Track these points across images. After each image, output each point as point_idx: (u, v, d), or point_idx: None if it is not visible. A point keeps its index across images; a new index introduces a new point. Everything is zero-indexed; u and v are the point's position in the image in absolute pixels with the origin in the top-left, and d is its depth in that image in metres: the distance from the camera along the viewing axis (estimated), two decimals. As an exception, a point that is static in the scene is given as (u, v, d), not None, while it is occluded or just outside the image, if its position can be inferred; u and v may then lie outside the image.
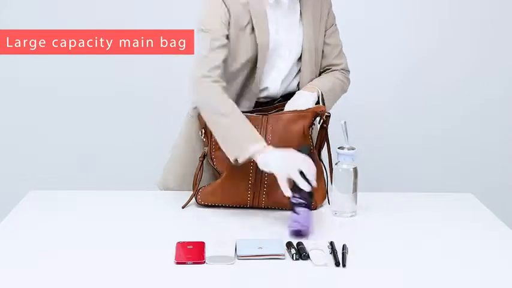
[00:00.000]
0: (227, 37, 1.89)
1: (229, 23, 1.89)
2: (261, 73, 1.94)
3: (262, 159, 1.73)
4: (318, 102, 1.94)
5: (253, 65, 1.93)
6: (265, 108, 1.96)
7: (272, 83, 1.98)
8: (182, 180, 2.02)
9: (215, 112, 1.83)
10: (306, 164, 1.72)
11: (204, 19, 1.91)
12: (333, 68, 2.07)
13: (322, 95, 1.95)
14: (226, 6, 1.88)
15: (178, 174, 2.04)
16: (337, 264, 1.52)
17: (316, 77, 2.04)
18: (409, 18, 3.15)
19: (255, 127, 1.82)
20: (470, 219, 1.89)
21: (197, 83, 1.87)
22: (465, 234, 1.75)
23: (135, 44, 3.08)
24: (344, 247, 1.58)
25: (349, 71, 2.10)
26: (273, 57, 1.95)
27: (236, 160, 1.76)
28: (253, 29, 1.90)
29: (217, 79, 1.85)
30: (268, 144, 1.79)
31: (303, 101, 1.93)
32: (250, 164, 1.82)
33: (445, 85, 3.20)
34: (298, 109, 1.89)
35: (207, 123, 1.86)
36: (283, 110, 1.92)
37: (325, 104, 1.95)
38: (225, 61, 1.88)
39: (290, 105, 1.93)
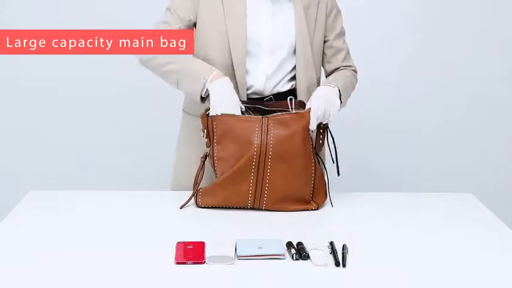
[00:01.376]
0: (190, 22, 1.98)
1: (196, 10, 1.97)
2: (243, 70, 1.95)
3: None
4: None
5: (230, 65, 1.96)
6: (267, 110, 1.95)
7: (256, 79, 1.99)
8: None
9: (164, 64, 1.96)
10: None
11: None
12: (339, 65, 2.09)
13: (339, 90, 1.95)
14: None
15: (190, 173, 2.02)
16: (337, 264, 1.52)
17: (317, 74, 2.05)
18: (409, 17, 3.15)
19: (256, 128, 1.83)
20: (470, 219, 1.89)
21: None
22: (465, 234, 1.75)
23: (135, 44, 3.07)
24: (344, 247, 1.58)
25: (357, 71, 2.13)
26: (253, 54, 1.96)
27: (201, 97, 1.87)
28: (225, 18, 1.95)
29: None
30: (270, 146, 1.80)
31: (328, 92, 1.92)
32: (252, 165, 1.82)
33: (445, 85, 3.20)
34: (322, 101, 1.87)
35: (162, 78, 1.99)
36: (283, 110, 1.92)
37: (342, 100, 1.95)
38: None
39: (316, 98, 1.89)
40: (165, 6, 2.03)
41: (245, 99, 1.99)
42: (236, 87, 1.94)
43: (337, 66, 2.09)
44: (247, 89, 2.00)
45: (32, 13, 3.05)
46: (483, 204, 2.00)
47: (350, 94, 2.07)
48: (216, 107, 1.84)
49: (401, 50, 3.17)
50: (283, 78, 2.03)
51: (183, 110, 2.15)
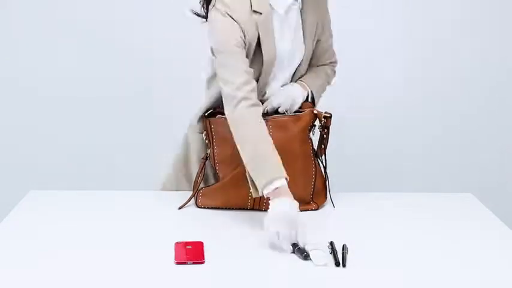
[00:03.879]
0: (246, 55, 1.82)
1: (244, 41, 1.80)
2: (263, 85, 1.90)
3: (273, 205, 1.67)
4: (306, 100, 1.93)
5: (256, 79, 1.87)
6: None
7: (271, 92, 1.94)
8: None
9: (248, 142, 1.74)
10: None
11: (221, 40, 1.80)
12: (324, 62, 2.05)
13: (312, 93, 1.94)
14: (237, 23, 1.79)
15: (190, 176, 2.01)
16: (337, 264, 1.52)
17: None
18: (409, 16, 3.15)
19: None
20: (470, 219, 1.89)
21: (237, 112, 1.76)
22: (465, 234, 1.75)
23: (136, 44, 3.08)
24: (344, 247, 1.58)
25: (337, 62, 2.09)
26: (275, 69, 1.91)
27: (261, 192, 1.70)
28: (259, 44, 1.83)
29: (255, 101, 1.78)
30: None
31: (294, 91, 1.91)
32: None
33: (445, 85, 3.20)
34: (285, 96, 1.88)
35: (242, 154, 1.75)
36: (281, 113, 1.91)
37: (315, 101, 1.94)
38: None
39: (280, 94, 1.89)
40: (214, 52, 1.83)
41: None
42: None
43: (322, 63, 2.05)
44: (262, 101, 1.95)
45: (32, 13, 3.05)
46: (483, 204, 2.00)
47: (324, 91, 2.05)
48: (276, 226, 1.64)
49: (401, 50, 3.17)
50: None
51: (190, 125, 2.02)
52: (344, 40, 2.12)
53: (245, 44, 1.81)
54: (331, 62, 2.07)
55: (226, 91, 1.77)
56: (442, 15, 3.14)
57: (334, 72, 2.09)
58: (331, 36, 2.05)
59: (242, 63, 1.78)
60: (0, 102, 3.15)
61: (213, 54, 1.83)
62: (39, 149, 3.17)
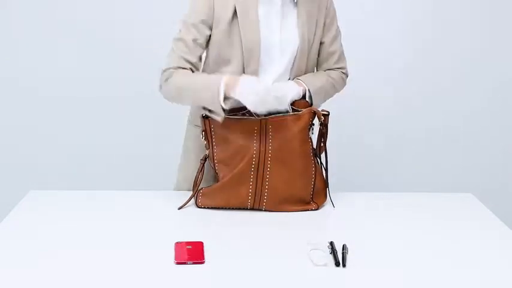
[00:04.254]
0: (207, 37, 1.90)
1: (212, 22, 1.89)
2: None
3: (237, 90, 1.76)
4: (303, 97, 1.91)
5: (241, 70, 1.89)
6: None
7: None
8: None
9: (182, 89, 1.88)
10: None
11: (189, 13, 1.92)
12: (331, 67, 2.04)
13: (309, 91, 1.91)
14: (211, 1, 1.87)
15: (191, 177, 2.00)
16: (337, 264, 1.52)
17: (310, 69, 2.01)
18: (409, 15, 3.15)
19: (254, 130, 1.82)
20: (470, 219, 1.89)
21: (166, 75, 1.89)
22: (465, 234, 1.75)
23: (136, 44, 3.08)
24: (344, 247, 1.58)
25: (347, 75, 2.08)
26: (263, 61, 1.91)
27: (222, 109, 1.77)
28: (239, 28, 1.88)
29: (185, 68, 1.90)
30: (269, 149, 1.79)
31: (288, 86, 1.89)
32: (251, 169, 1.82)
33: (445, 85, 3.20)
34: (279, 91, 1.84)
35: (182, 103, 1.94)
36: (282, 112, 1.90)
37: (313, 101, 1.92)
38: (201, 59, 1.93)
39: (275, 87, 1.85)
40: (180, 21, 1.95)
41: None
42: None
43: (329, 68, 2.05)
44: None
45: (32, 13, 3.05)
46: (483, 204, 2.00)
47: (331, 96, 2.03)
48: (256, 105, 1.77)
49: (401, 49, 3.17)
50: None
51: (188, 121, 2.09)
52: (343, 38, 2.12)
53: (211, 24, 1.89)
54: (338, 68, 2.04)
55: (166, 63, 1.90)
56: (443, 15, 3.14)
57: (343, 79, 2.06)
58: (337, 37, 2.04)
59: (193, 44, 1.89)
60: (0, 102, 3.15)
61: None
62: (39, 149, 3.17)
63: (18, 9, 3.06)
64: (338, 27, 2.05)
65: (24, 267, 1.50)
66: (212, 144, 1.88)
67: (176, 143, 2.16)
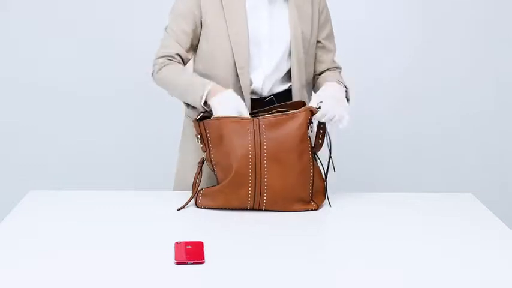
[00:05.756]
0: (195, 26, 1.97)
1: (200, 14, 1.95)
2: (247, 72, 1.94)
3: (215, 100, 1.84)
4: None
5: (234, 64, 1.94)
6: (260, 110, 1.95)
7: (255, 79, 1.99)
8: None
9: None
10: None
11: (177, 4, 2.02)
12: (330, 69, 2.09)
13: (345, 87, 1.98)
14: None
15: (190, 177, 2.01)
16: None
17: (309, 75, 2.06)
18: (408, 15, 3.15)
19: (247, 130, 1.82)
20: (470, 219, 1.89)
21: (157, 65, 1.98)
22: (465, 234, 1.75)
23: (135, 44, 3.08)
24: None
25: (340, 68, 2.14)
26: (253, 52, 1.95)
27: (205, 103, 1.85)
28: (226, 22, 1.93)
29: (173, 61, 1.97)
30: (264, 148, 1.80)
31: (336, 89, 1.93)
32: (248, 169, 1.82)
33: (444, 84, 3.20)
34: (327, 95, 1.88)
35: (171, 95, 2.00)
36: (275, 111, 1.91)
37: (348, 99, 1.98)
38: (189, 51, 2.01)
39: (325, 97, 1.88)
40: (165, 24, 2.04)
41: (249, 100, 1.98)
42: (240, 89, 1.95)
43: (327, 67, 2.08)
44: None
45: (32, 13, 3.05)
46: (483, 204, 2.00)
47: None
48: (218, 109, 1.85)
49: (400, 49, 3.17)
50: (280, 78, 2.03)
51: (186, 115, 2.12)
52: (342, 38, 2.13)
53: (199, 16, 1.95)
54: (337, 68, 2.11)
55: (156, 52, 2.00)
56: (443, 15, 3.14)
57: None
58: (332, 35, 2.07)
59: (181, 34, 1.97)
60: (0, 102, 3.15)
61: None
62: (39, 149, 3.18)
63: (18, 9, 3.06)
64: (332, 27, 2.10)
65: (24, 267, 1.50)
66: (208, 146, 1.87)
67: (176, 144, 2.16)
